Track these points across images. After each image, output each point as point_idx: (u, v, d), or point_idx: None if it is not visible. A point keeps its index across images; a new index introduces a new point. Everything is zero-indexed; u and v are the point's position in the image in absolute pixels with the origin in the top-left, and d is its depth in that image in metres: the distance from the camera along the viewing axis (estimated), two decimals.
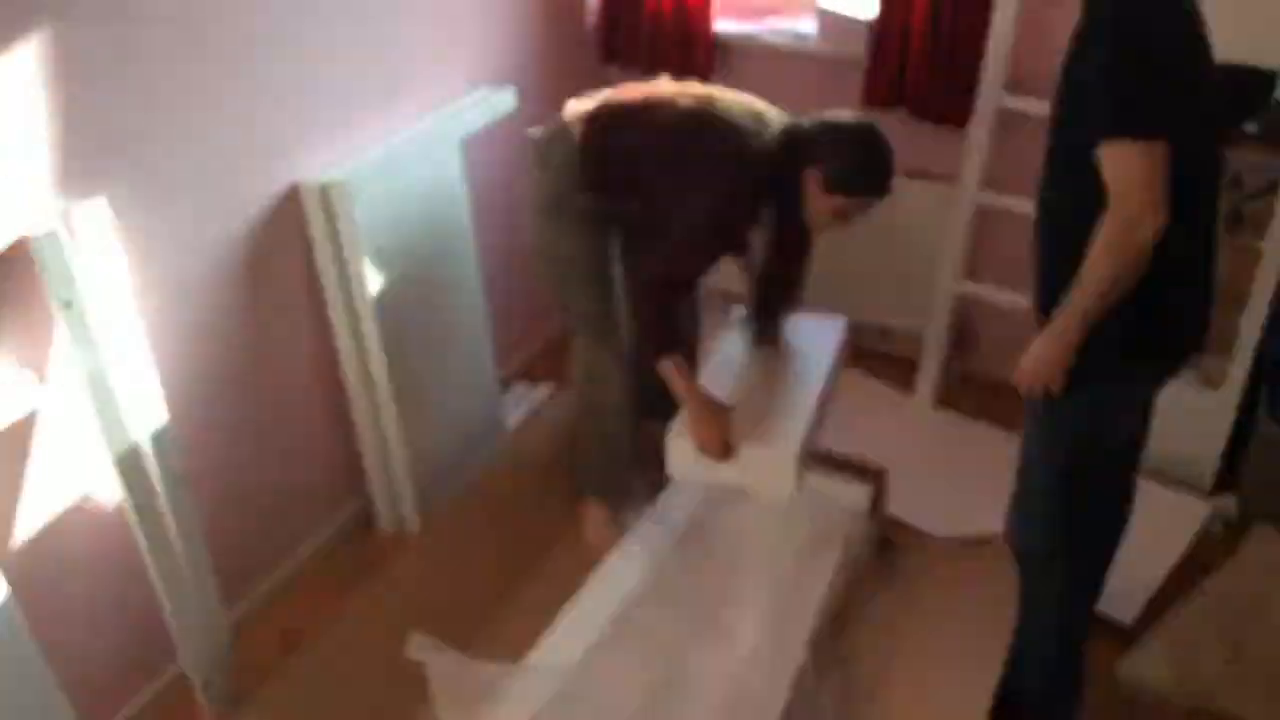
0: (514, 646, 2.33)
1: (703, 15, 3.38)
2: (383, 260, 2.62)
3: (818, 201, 2.29)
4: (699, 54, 3.42)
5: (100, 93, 2.01)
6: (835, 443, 2.69)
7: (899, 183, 3.30)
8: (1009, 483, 2.16)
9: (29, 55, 1.86)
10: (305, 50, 2.42)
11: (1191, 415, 2.95)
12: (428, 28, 2.80)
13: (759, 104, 2.41)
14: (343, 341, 2.67)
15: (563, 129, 2.44)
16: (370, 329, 2.64)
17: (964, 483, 3.00)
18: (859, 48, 3.18)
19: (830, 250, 3.50)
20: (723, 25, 3.40)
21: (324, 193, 2.49)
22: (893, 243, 3.42)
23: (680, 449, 2.32)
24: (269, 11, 2.30)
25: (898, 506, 2.82)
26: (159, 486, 2.18)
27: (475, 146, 2.98)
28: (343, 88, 2.55)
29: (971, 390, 3.48)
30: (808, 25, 3.35)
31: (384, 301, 2.64)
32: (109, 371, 2.03)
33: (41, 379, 1.95)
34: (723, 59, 3.47)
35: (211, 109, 2.23)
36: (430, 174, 2.77)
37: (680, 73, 3.42)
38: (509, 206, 3.32)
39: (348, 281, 2.60)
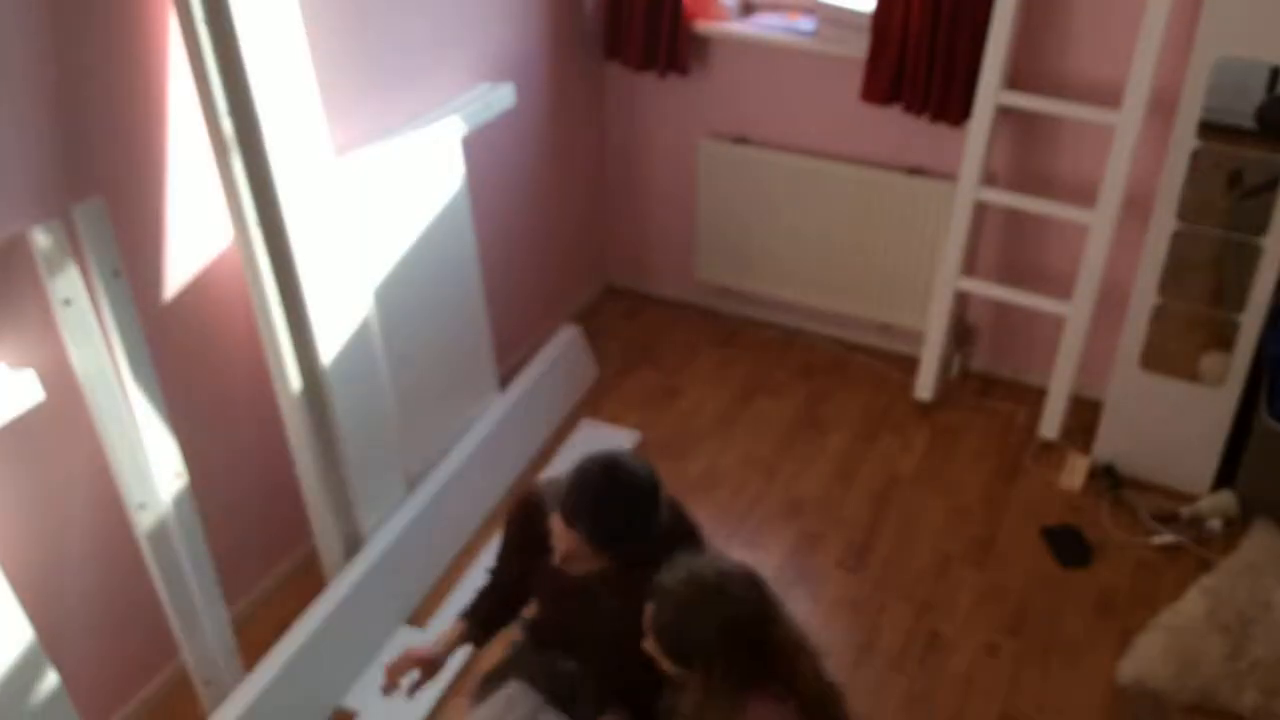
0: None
1: (703, 11, 3.38)
2: (382, 258, 2.62)
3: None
4: (699, 51, 3.42)
5: (96, 92, 2.01)
6: None
7: (900, 180, 3.35)
8: None
9: (26, 55, 1.86)
10: (302, 48, 2.41)
11: (1191, 414, 2.95)
12: (428, 23, 2.79)
13: None
14: None
15: None
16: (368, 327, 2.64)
17: None
18: (858, 44, 3.18)
19: (831, 248, 3.51)
20: (723, 22, 3.40)
21: None
22: (892, 239, 3.42)
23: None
24: None
25: None
26: (159, 484, 2.18)
27: (475, 143, 2.98)
28: (341, 84, 2.54)
29: (971, 387, 3.49)
30: (807, 21, 3.34)
31: (383, 299, 2.64)
32: (109, 370, 2.03)
33: (41, 378, 1.94)
34: (723, 55, 3.47)
35: None
36: (430, 171, 2.77)
37: (680, 70, 3.43)
38: (509, 204, 3.32)
39: None
